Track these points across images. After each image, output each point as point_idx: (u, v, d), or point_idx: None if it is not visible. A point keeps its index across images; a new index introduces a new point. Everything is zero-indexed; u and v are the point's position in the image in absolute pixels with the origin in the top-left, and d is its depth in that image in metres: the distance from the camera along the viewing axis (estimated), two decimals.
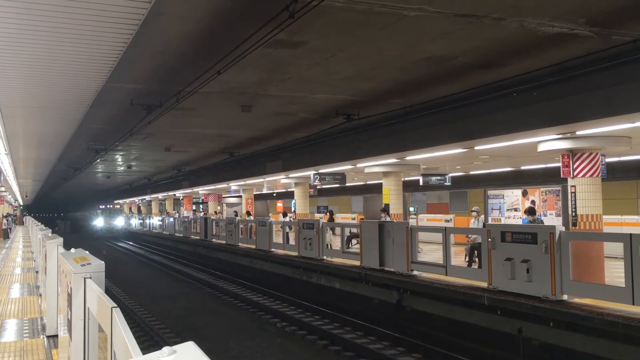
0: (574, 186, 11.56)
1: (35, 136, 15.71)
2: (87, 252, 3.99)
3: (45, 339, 6.36)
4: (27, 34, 6.46)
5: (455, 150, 14.65)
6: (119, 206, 59.98)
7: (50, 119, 12.59)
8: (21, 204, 64.24)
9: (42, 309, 8.12)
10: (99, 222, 57.19)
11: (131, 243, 45.79)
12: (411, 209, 30.62)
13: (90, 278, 3.33)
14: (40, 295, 9.08)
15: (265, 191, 38.50)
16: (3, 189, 29.36)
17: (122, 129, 15.80)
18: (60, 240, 6.53)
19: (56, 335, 6.03)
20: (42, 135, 15.31)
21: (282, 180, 24.93)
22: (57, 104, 10.81)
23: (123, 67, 8.61)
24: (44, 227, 14.78)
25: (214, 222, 29.04)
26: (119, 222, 55.59)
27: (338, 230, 18.01)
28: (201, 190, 36.37)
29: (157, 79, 10.62)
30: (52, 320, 6.30)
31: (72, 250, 4.34)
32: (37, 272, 12.09)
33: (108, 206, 59.30)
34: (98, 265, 3.53)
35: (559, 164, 11.86)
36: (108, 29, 6.25)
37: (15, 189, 37.10)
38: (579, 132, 10.98)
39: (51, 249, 6.37)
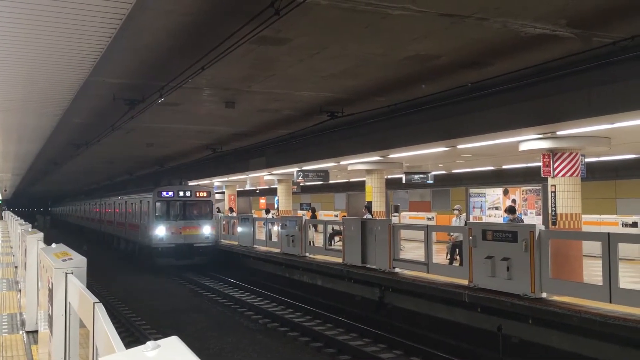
0: (554, 185, 11.71)
1: (15, 130, 15.52)
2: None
3: (24, 334, 6.30)
4: (7, 26, 6.38)
5: (438, 149, 14.75)
6: (205, 194, 25.48)
7: (31, 113, 12.44)
8: (0, 198, 63.26)
9: (21, 305, 8.03)
10: (160, 231, 24.02)
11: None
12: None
13: (72, 273, 3.32)
14: (20, 290, 8.98)
15: (248, 188, 38.36)
16: None
17: (104, 124, 15.65)
18: (41, 235, 6.48)
19: (36, 331, 5.99)
20: (23, 129, 15.12)
21: (265, 177, 24.88)
22: (38, 97, 10.68)
23: (106, 61, 8.53)
24: (23, 222, 14.60)
25: None
26: (207, 230, 24.65)
27: (321, 227, 18.03)
28: None
29: (141, 73, 10.53)
30: (32, 315, 6.25)
31: (53, 245, 4.32)
32: (16, 267, 11.95)
33: (180, 192, 24.88)
34: (80, 260, 3.52)
35: (540, 164, 12.01)
36: (92, 23, 6.19)
37: None
38: (559, 132, 11.12)
39: (31, 244, 6.32)
